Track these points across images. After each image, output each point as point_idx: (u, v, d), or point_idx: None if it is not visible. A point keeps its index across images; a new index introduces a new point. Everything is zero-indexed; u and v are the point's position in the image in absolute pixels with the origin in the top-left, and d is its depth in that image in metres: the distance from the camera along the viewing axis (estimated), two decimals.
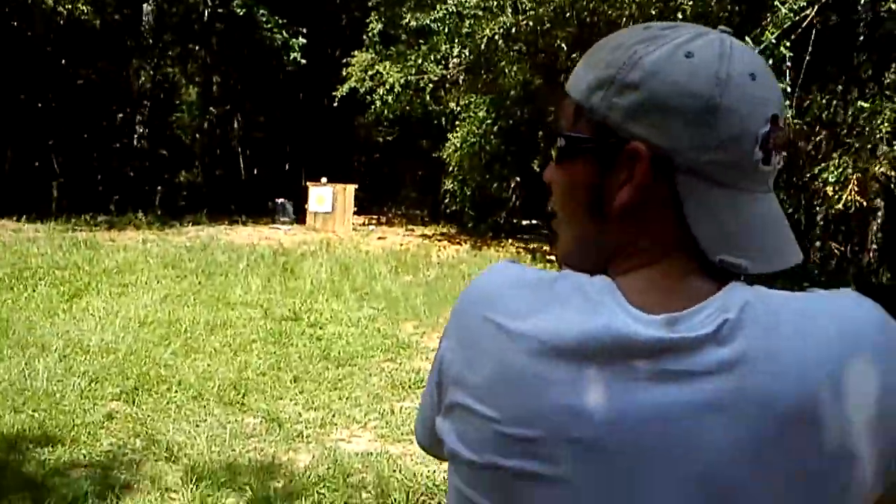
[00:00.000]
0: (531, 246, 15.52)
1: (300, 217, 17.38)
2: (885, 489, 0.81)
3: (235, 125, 25.95)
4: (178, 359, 6.61)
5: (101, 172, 19.62)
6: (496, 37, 12.19)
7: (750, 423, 0.76)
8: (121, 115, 21.35)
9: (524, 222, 19.41)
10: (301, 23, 18.37)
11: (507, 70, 15.06)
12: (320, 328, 8.15)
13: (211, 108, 23.55)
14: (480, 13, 12.18)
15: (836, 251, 13.59)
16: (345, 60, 15.91)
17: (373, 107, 15.40)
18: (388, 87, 14.68)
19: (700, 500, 0.77)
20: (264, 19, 17.34)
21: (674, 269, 0.84)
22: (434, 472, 4.60)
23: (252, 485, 4.35)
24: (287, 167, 24.03)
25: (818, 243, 13.37)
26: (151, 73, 21.42)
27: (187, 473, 4.41)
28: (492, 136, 15.30)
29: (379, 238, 15.96)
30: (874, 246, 13.10)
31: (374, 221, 18.74)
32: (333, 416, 5.60)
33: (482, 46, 12.29)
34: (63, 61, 18.80)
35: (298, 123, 22.12)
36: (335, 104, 15.60)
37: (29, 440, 4.67)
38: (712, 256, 0.82)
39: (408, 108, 15.70)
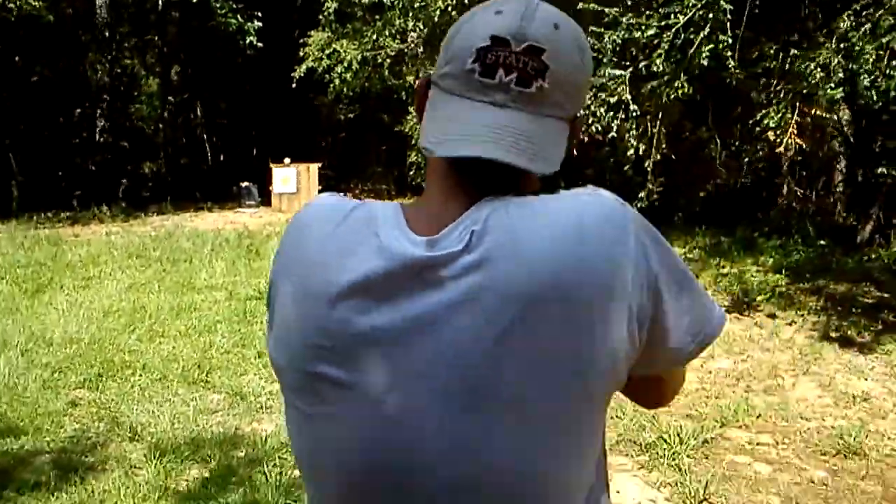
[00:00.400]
0: None
1: (266, 199, 17.38)
2: (645, 348, 0.96)
3: (198, 112, 25.86)
4: (143, 344, 6.65)
5: (62, 169, 19.45)
6: (449, 8, 12.18)
7: (496, 312, 0.90)
8: (79, 110, 21.13)
9: None
10: (256, 6, 18.30)
11: None
12: None
13: (170, 98, 23.38)
14: None
15: (800, 195, 13.79)
16: (302, 41, 15.86)
17: (332, 85, 15.40)
18: (345, 64, 14.68)
19: (463, 382, 0.92)
20: (218, 5, 17.28)
21: (437, 193, 1.02)
22: None
23: (215, 455, 4.44)
24: (254, 151, 23.97)
25: (784, 189, 13.57)
26: (108, 66, 21.20)
27: (151, 450, 4.47)
28: None
29: None
30: (839, 189, 13.30)
31: None
32: None
33: (436, 19, 12.29)
34: (17, 58, 18.56)
35: (260, 107, 22.05)
36: (294, 85, 15.57)
37: None
38: (420, 145, 0.98)
39: (367, 84, 15.74)
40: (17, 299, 8.26)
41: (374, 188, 20.09)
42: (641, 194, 7.81)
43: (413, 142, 15.88)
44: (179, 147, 25.13)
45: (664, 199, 11.45)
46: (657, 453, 4.35)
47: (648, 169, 7.55)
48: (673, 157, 8.19)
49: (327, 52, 14.99)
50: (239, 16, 17.62)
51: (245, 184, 18.05)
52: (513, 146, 0.95)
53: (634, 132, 7.29)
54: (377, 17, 14.72)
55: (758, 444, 4.58)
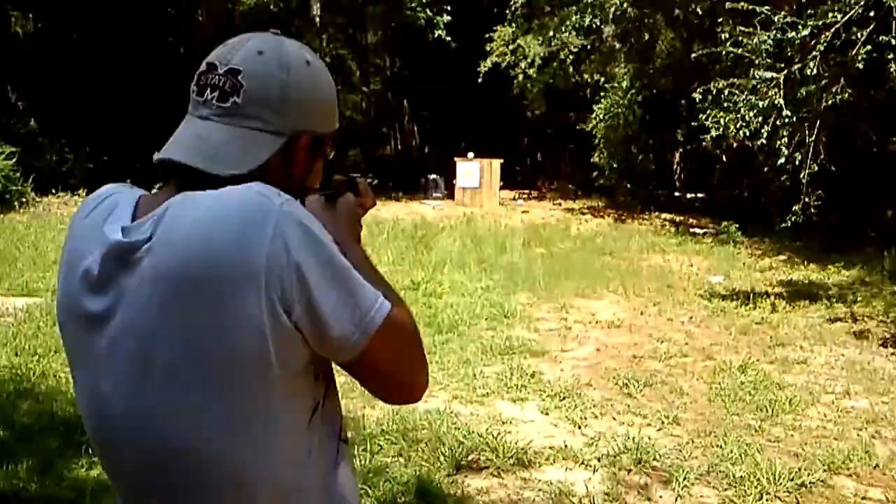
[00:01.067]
0: (678, 218, 15.17)
1: (450, 192, 17.83)
2: (313, 336, 1.06)
3: (405, 104, 26.97)
4: None
5: None
6: (625, 5, 11.99)
7: (156, 289, 1.05)
8: None
9: (688, 195, 18.87)
10: (446, 0, 18.86)
11: (659, 39, 14.76)
12: (437, 297, 8.44)
13: (364, 88, 24.54)
14: None
15: None
16: (488, 35, 16.14)
17: (516, 81, 15.61)
18: (529, 60, 14.82)
19: (140, 357, 1.07)
20: None
21: (166, 187, 1.15)
22: (489, 429, 4.81)
23: None
24: (447, 143, 24.67)
25: None
26: (320, 55, 22.47)
27: None
28: (636, 107, 15.05)
29: (523, 212, 16.12)
30: None
31: (524, 196, 18.90)
32: None
33: (611, 16, 12.17)
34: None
35: (450, 100, 22.67)
36: (480, 80, 15.91)
37: None
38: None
39: (551, 80, 15.79)
40: None
41: (561, 188, 20.03)
42: (795, 207, 7.35)
43: (596, 141, 15.75)
44: (378, 137, 26.38)
45: (849, 217, 10.71)
46: (744, 490, 4.11)
47: (804, 181, 7.09)
48: (832, 168, 7.60)
49: (511, 47, 15.19)
50: (428, 9, 18.20)
51: (432, 176, 18.62)
52: (194, 150, 1.13)
53: (787, 140, 6.86)
54: (563, 11, 14.73)
55: (864, 497, 4.13)
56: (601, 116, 15.12)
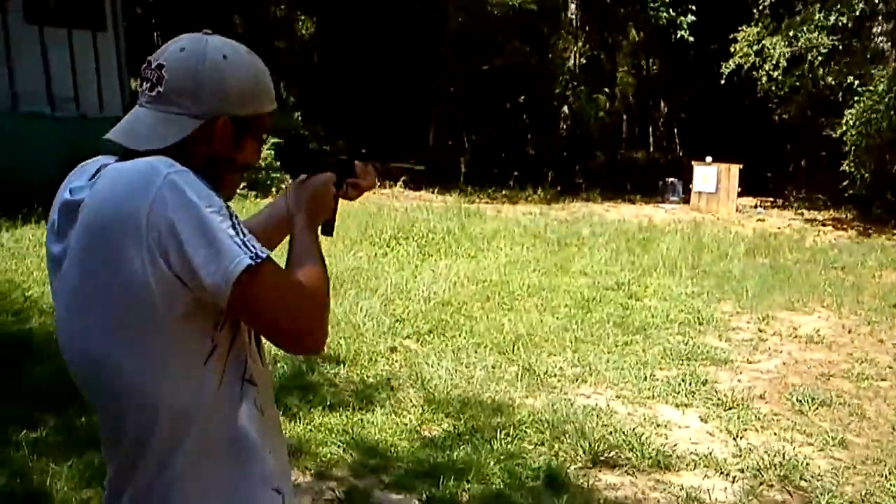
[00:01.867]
0: None
1: (687, 197, 17.40)
2: (193, 285, 1.31)
3: (662, 105, 26.59)
4: (484, 313, 7.40)
5: (506, 150, 21.40)
6: None
7: (80, 239, 1.36)
8: (522, 97, 22.71)
9: None
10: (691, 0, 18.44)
11: None
12: (636, 299, 8.39)
13: (606, 89, 24.34)
14: None
15: None
16: (732, 36, 15.61)
17: (759, 83, 14.98)
18: (773, 62, 14.16)
19: (73, 293, 1.40)
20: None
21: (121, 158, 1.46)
22: (636, 429, 4.85)
23: (475, 416, 4.96)
24: (695, 146, 23.99)
25: None
26: (577, 56, 22.62)
27: (427, 400, 5.18)
28: (892, 113, 13.84)
29: (759, 220, 15.41)
30: None
31: (766, 203, 18.02)
32: (590, 374, 5.95)
33: (857, 12, 11.29)
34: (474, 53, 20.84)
35: (702, 102, 22.04)
36: (723, 82, 15.49)
37: (321, 359, 5.74)
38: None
39: (797, 83, 14.96)
40: (412, 260, 9.63)
41: (809, 196, 18.85)
42: None
43: (846, 149, 14.68)
44: (630, 138, 26.19)
45: None
46: None
47: None
48: None
49: (755, 48, 14.58)
50: (671, 9, 17.85)
51: (671, 179, 18.28)
52: (125, 130, 1.44)
53: None
54: (807, 11, 13.90)
55: None
56: (852, 122, 14.07)
